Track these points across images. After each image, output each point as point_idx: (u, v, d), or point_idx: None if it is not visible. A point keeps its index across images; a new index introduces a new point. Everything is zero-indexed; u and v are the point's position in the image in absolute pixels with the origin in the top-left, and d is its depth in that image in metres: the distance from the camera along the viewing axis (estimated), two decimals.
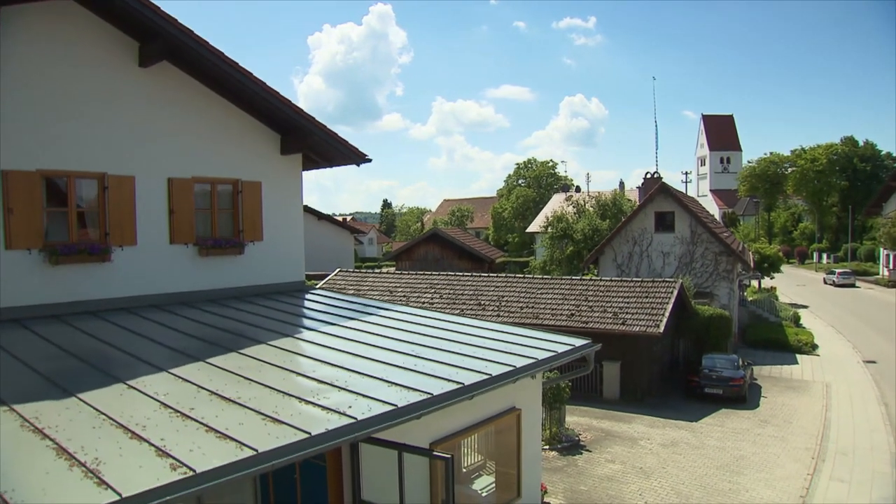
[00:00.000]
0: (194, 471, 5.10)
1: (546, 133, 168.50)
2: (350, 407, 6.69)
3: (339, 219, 53.44)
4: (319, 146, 13.18)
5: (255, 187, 12.60)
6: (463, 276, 24.39)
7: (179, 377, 7.27)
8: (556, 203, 52.87)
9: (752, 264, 30.73)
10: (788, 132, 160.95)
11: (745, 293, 36.22)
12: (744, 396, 18.86)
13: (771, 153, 78.67)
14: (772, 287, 41.78)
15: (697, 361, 20.25)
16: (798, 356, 25.86)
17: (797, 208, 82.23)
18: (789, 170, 76.71)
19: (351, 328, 10.35)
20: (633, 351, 18.98)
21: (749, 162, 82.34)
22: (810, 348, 26.76)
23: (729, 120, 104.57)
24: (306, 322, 11.01)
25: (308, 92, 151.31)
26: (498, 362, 8.90)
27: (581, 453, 14.48)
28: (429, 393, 7.36)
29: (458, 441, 9.30)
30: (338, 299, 13.17)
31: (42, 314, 9.51)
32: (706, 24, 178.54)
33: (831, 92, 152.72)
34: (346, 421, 6.37)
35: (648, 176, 31.09)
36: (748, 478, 13.08)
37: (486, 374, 8.31)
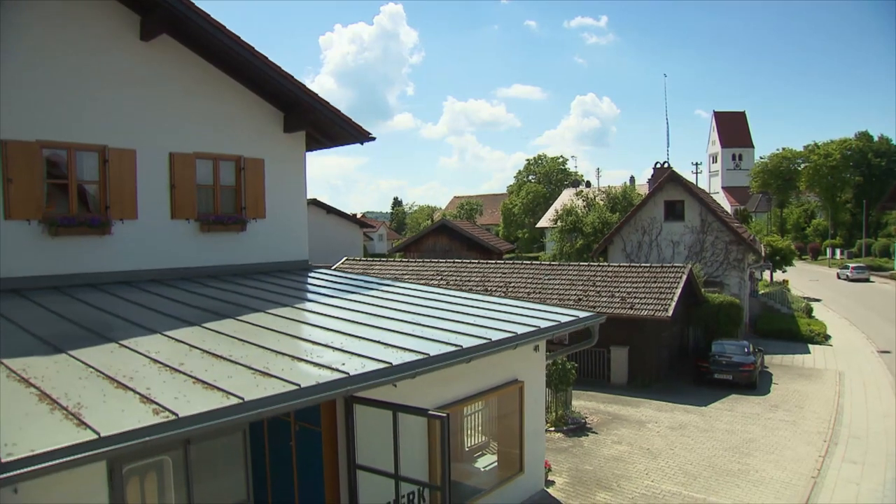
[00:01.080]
0: (177, 415, 4.98)
1: (557, 132, 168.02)
2: (343, 364, 6.55)
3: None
4: (322, 123, 13.06)
5: (258, 164, 12.51)
6: (470, 262, 24.22)
7: (173, 338, 7.17)
8: (566, 198, 52.59)
9: (763, 254, 30.34)
10: (801, 129, 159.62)
11: (757, 286, 35.79)
12: (754, 382, 18.54)
13: (783, 149, 77.83)
14: (784, 280, 41.26)
15: (707, 348, 19.96)
16: (810, 346, 25.46)
17: (810, 205, 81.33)
18: (802, 166, 75.90)
19: (352, 300, 10.23)
20: (641, 336, 18.72)
21: (761, 158, 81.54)
22: (823, 338, 26.35)
23: (741, 116, 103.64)
24: (308, 295, 10.89)
25: (319, 92, 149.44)
26: (499, 329, 8.74)
27: (587, 435, 14.26)
28: (425, 353, 7.21)
29: (459, 409, 9.14)
30: (342, 277, 13.05)
31: (42, 285, 9.46)
32: (718, 22, 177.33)
33: (845, 87, 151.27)
34: (337, 376, 6.23)
35: (658, 165, 30.75)
36: (758, 459, 12.81)
37: (486, 338, 8.15)
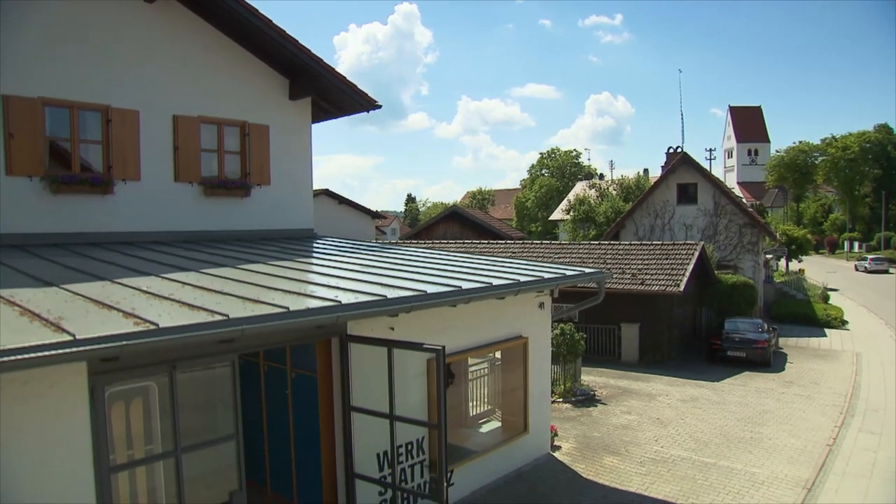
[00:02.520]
0: (156, 325, 4.83)
1: (572, 132, 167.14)
2: (337, 296, 6.38)
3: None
4: (328, 90, 12.90)
5: (263, 131, 12.39)
6: (479, 243, 24.02)
7: (168, 278, 7.04)
8: (580, 189, 52.19)
9: (777, 236, 29.84)
10: (819, 126, 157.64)
11: (773, 275, 35.26)
12: (768, 360, 18.16)
13: (800, 142, 76.81)
14: (800, 270, 40.63)
15: (720, 327, 19.60)
16: (827, 330, 24.97)
17: (827, 199, 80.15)
18: (819, 159, 74.80)
19: (356, 258, 10.07)
20: (652, 313, 18.40)
21: (777, 151, 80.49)
22: (840, 323, 25.84)
23: (757, 111, 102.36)
24: (311, 254, 10.74)
25: None
26: (501, 278, 8.53)
27: (595, 406, 14.00)
28: (422, 291, 7.03)
29: (462, 359, 8.96)
30: (349, 242, 12.90)
31: (43, 242, 9.39)
32: (733, 19, 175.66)
33: (863, 81, 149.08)
34: (328, 304, 6.07)
35: (671, 150, 30.35)
36: (772, 428, 12.50)
37: (486, 283, 7.95)
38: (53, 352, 4.22)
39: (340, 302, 6.10)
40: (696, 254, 19.07)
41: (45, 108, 9.64)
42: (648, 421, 12.90)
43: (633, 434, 12.04)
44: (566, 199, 54.25)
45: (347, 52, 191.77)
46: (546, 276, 9.03)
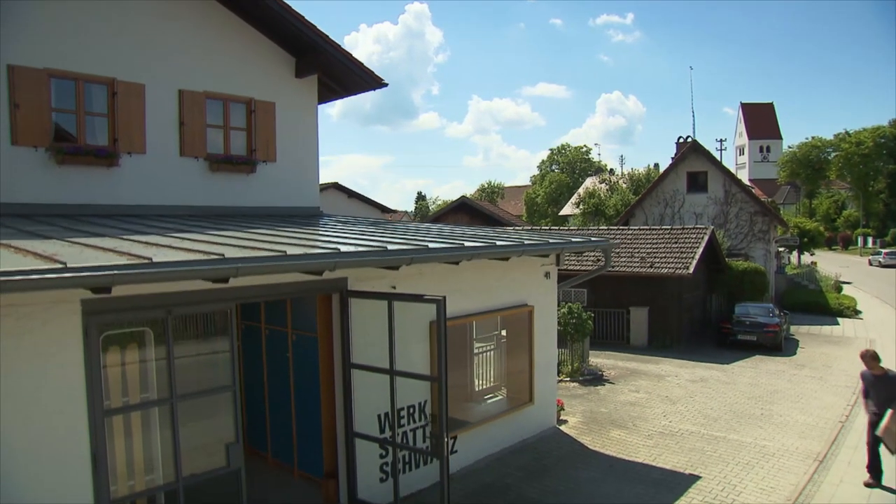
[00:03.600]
0: (150, 259, 4.75)
1: (583, 131, 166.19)
2: (336, 248, 6.27)
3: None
4: (334, 68, 12.82)
5: (269, 107, 12.32)
6: (487, 229, 23.85)
7: (169, 235, 6.96)
8: (589, 183, 51.94)
9: (789, 226, 29.49)
10: (832, 124, 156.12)
11: (785, 268, 34.90)
12: (779, 344, 17.91)
13: (813, 137, 75.93)
14: (812, 262, 40.19)
15: (730, 312, 19.37)
16: (840, 319, 24.64)
17: (840, 196, 79.26)
18: (832, 155, 73.96)
19: (361, 228, 9.97)
20: (661, 297, 18.21)
21: (790, 147, 79.67)
22: (853, 312, 25.49)
23: (769, 108, 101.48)
24: (317, 226, 10.66)
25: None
26: (505, 240, 8.41)
27: (603, 385, 13.83)
28: (423, 245, 6.93)
29: (466, 322, 8.85)
30: (356, 217, 12.85)
31: (49, 213, 9.35)
32: (745, 17, 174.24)
33: (876, 78, 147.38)
34: (327, 251, 5.97)
35: (681, 140, 30.07)
36: (783, 406, 12.30)
37: (490, 242, 7.83)
38: (45, 276, 4.14)
39: (339, 250, 6.00)
40: (706, 237, 18.85)
41: (51, 80, 9.64)
42: (657, 398, 12.73)
43: (641, 410, 11.88)
44: (576, 193, 54.01)
45: (358, 53, 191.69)
46: (551, 240, 8.90)
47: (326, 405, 7.56)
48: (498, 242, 7.90)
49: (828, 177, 75.46)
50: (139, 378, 5.80)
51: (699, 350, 18.09)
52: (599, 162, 72.83)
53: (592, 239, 9.84)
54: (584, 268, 12.25)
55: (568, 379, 13.90)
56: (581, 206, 42.48)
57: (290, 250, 5.70)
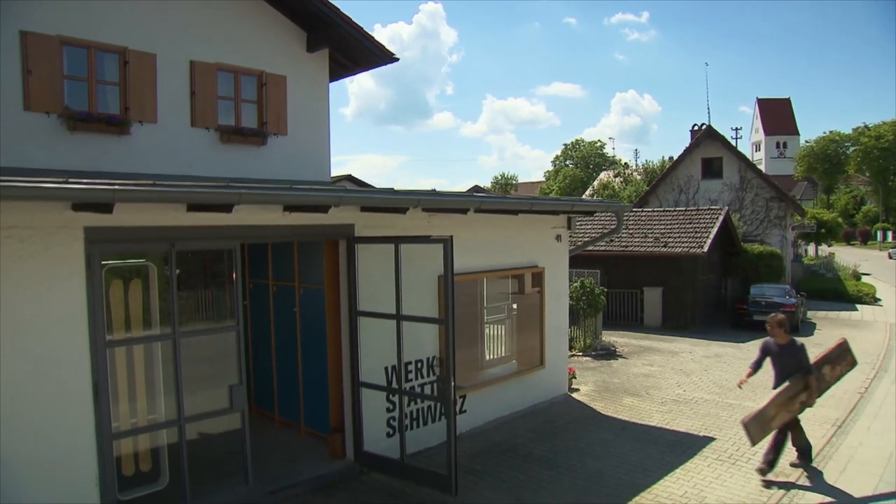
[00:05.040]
0: (153, 182, 4.70)
1: (597, 130, 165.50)
2: (344, 186, 6.20)
3: None
4: (345, 42, 12.79)
5: (280, 81, 12.32)
6: None
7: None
8: (604, 176, 51.64)
9: (804, 210, 29.04)
10: (848, 121, 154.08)
11: (803, 259, 34.42)
12: (796, 325, 17.58)
13: (830, 132, 74.90)
14: (830, 253, 39.61)
15: (745, 292, 19.09)
16: (858, 306, 24.22)
17: (859, 191, 78.08)
18: (851, 149, 72.88)
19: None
20: (676, 277, 17.97)
21: (807, 142, 78.64)
22: (872, 299, 25.05)
23: (786, 103, 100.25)
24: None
25: (358, 91, 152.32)
26: (517, 198, 8.29)
27: (616, 359, 13.66)
28: (431, 189, 6.83)
29: (476, 279, 8.74)
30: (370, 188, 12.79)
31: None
32: (760, 14, 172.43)
33: (890, 74, 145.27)
34: (335, 188, 5.90)
35: (695, 127, 29.72)
36: None
37: (500, 197, 7.71)
38: (46, 184, 4.10)
39: (345, 187, 5.92)
40: (721, 217, 18.59)
41: (63, 48, 9.70)
42: (671, 371, 12.55)
43: (655, 381, 11.70)
44: (590, 186, 53.71)
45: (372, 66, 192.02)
46: (563, 200, 8.78)
47: (333, 357, 7.48)
48: (508, 198, 7.77)
49: (846, 171, 74.37)
50: (142, 313, 5.74)
51: (714, 331, 17.84)
52: (614, 157, 72.40)
53: (604, 200, 9.67)
54: (592, 251, 12.08)
55: (580, 354, 13.74)
56: (595, 198, 42.22)
57: (297, 191, 5.63)
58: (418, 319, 6.69)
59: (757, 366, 7.70)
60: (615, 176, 47.07)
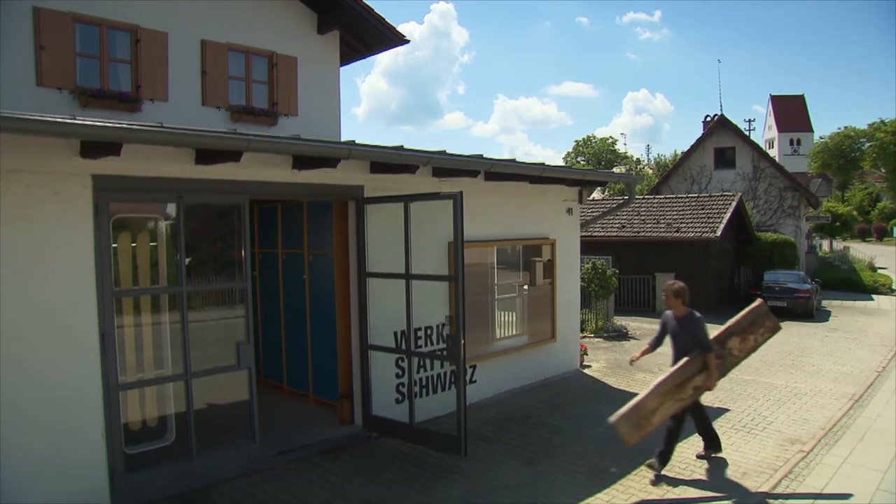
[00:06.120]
0: (161, 123, 4.67)
1: (609, 130, 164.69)
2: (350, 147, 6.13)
3: None
4: (356, 23, 12.78)
5: (291, 62, 12.32)
6: None
7: None
8: (616, 171, 51.41)
9: (818, 200, 28.68)
10: (864, 116, 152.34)
11: (817, 251, 34.07)
12: (811, 311, 17.37)
13: (845, 127, 74.02)
14: (844, 247, 39.18)
15: (759, 278, 18.88)
16: (874, 296, 23.88)
17: (875, 188, 77.13)
18: (866, 145, 72.00)
19: None
20: (688, 263, 17.79)
21: (821, 138, 77.81)
22: (888, 290, 24.70)
23: (799, 100, 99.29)
24: None
25: (371, 92, 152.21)
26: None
27: (628, 340, 13.54)
28: (442, 149, 6.76)
29: (487, 247, 8.66)
30: None
31: None
32: (774, 11, 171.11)
33: None
34: (343, 146, 5.83)
35: (707, 118, 29.44)
36: (816, 358, 11.89)
37: (510, 161, 7.63)
38: (53, 119, 4.07)
39: (354, 141, 5.87)
40: (734, 203, 18.40)
41: (76, 24, 9.74)
42: None
43: (668, 360, 11.54)
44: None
45: (384, 53, 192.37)
46: (574, 169, 8.68)
47: (342, 322, 7.43)
48: (519, 161, 7.69)
49: (861, 168, 73.50)
50: (149, 266, 5.71)
51: (727, 317, 17.39)
52: (625, 153, 71.99)
53: (616, 171, 9.56)
54: (600, 237, 11.93)
55: (592, 335, 13.63)
56: (606, 192, 42.01)
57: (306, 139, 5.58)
58: (428, 277, 6.62)
59: (656, 342, 6.71)
60: (627, 170, 46.83)
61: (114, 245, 5.32)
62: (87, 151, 4.79)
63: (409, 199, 6.44)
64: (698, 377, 6.08)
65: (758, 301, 6.97)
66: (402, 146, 6.24)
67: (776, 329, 6.83)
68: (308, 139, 5.47)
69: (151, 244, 5.68)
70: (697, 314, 6.30)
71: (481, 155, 7.09)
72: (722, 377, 6.43)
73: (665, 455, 6.17)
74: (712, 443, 6.59)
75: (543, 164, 7.97)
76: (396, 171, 6.59)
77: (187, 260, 5.67)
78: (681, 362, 6.14)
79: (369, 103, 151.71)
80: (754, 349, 6.70)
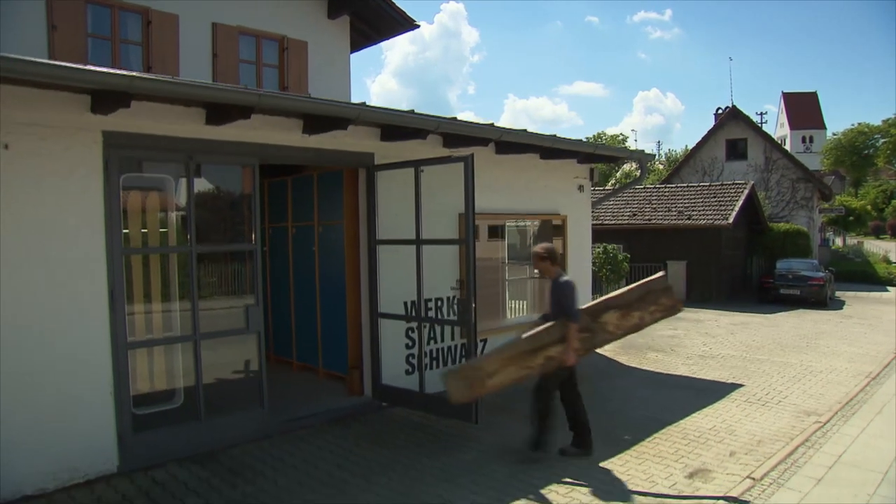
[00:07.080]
0: (171, 76, 4.65)
1: (620, 129, 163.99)
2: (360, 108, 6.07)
3: None
4: (365, 7, 12.76)
5: (301, 47, 12.30)
6: None
7: None
8: (626, 167, 51.09)
9: (831, 190, 28.38)
10: (878, 113, 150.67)
11: (830, 245, 33.73)
12: (824, 299, 17.17)
13: (859, 124, 73.30)
14: (858, 242, 38.79)
15: (772, 266, 18.70)
16: (889, 287, 23.63)
17: (889, 184, 76.33)
18: (880, 141, 71.31)
19: None
20: (700, 251, 17.66)
21: (834, 134, 77.11)
22: None
23: (812, 97, 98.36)
24: None
25: (381, 92, 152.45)
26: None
27: None
28: (452, 116, 6.71)
29: (498, 221, 8.61)
30: None
31: None
32: (786, 10, 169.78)
33: None
34: (353, 106, 5.78)
35: (719, 111, 29.23)
36: (830, 341, 11.75)
37: (521, 131, 7.55)
38: (63, 66, 4.05)
39: (365, 102, 5.82)
40: (746, 191, 18.24)
41: (88, 6, 9.77)
42: (696, 334, 12.32)
43: (680, 341, 11.48)
44: (612, 177, 53.18)
45: (394, 53, 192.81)
46: (584, 143, 8.61)
47: (352, 292, 7.39)
48: (529, 130, 7.62)
49: (875, 164, 72.79)
50: (158, 225, 5.70)
51: (740, 304, 17.49)
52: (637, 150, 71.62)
53: (625, 149, 9.46)
54: (611, 225, 11.77)
55: None
56: (617, 184, 41.82)
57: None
58: (439, 242, 6.58)
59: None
60: (637, 168, 46.62)
61: (124, 203, 5.30)
62: (98, 106, 4.77)
63: (420, 163, 6.39)
64: (554, 347, 5.31)
65: (659, 273, 6.03)
66: (413, 110, 6.19)
67: (674, 310, 5.79)
68: (318, 98, 5.44)
69: (161, 203, 5.66)
70: (565, 279, 5.54)
71: (492, 123, 7.03)
72: (587, 353, 5.61)
73: (539, 442, 5.63)
74: (581, 440, 5.73)
75: (555, 135, 7.88)
76: (407, 138, 6.55)
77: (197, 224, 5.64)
78: (539, 328, 5.46)
79: (379, 103, 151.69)
80: (639, 328, 5.68)
